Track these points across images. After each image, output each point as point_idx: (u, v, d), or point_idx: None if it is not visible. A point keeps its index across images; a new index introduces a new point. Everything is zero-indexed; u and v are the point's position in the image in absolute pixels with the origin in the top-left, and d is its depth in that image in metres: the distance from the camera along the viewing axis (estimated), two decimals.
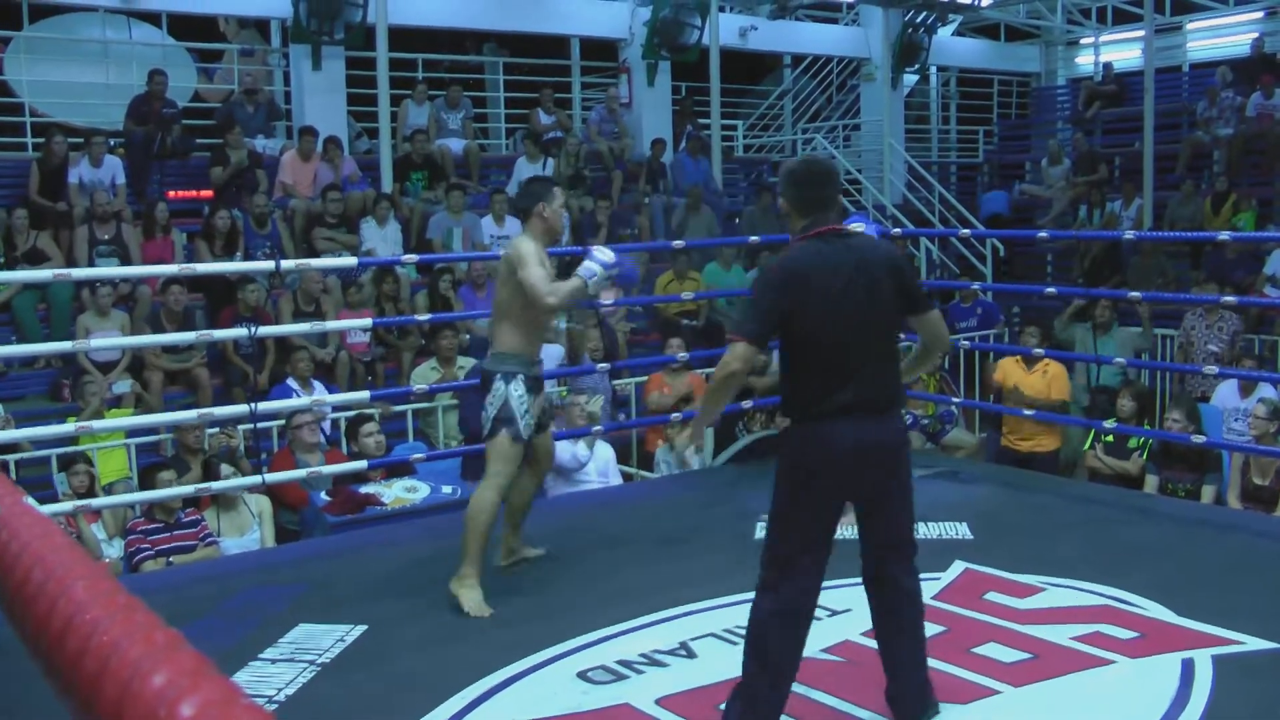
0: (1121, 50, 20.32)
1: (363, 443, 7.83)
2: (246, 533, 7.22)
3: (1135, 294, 9.31)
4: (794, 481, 3.99)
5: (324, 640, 4.95)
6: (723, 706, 4.04)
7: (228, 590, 5.72)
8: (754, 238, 9.89)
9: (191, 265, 9.27)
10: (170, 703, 1.07)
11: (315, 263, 9.35)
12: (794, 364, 4.05)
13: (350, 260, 10.08)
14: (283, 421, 8.25)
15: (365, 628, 5.08)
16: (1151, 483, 8.09)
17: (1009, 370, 9.18)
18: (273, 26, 15.13)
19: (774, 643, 3.97)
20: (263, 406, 7.03)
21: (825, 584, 4.05)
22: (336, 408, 8.63)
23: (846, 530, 4.07)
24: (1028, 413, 8.61)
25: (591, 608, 5.26)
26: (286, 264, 7.64)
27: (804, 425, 4.00)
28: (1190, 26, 19.97)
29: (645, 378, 9.82)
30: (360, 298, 10.77)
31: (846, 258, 4.01)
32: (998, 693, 4.31)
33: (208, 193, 12.31)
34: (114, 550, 7.13)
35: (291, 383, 9.24)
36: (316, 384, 9.39)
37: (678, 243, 10.87)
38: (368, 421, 8.04)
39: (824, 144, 18.36)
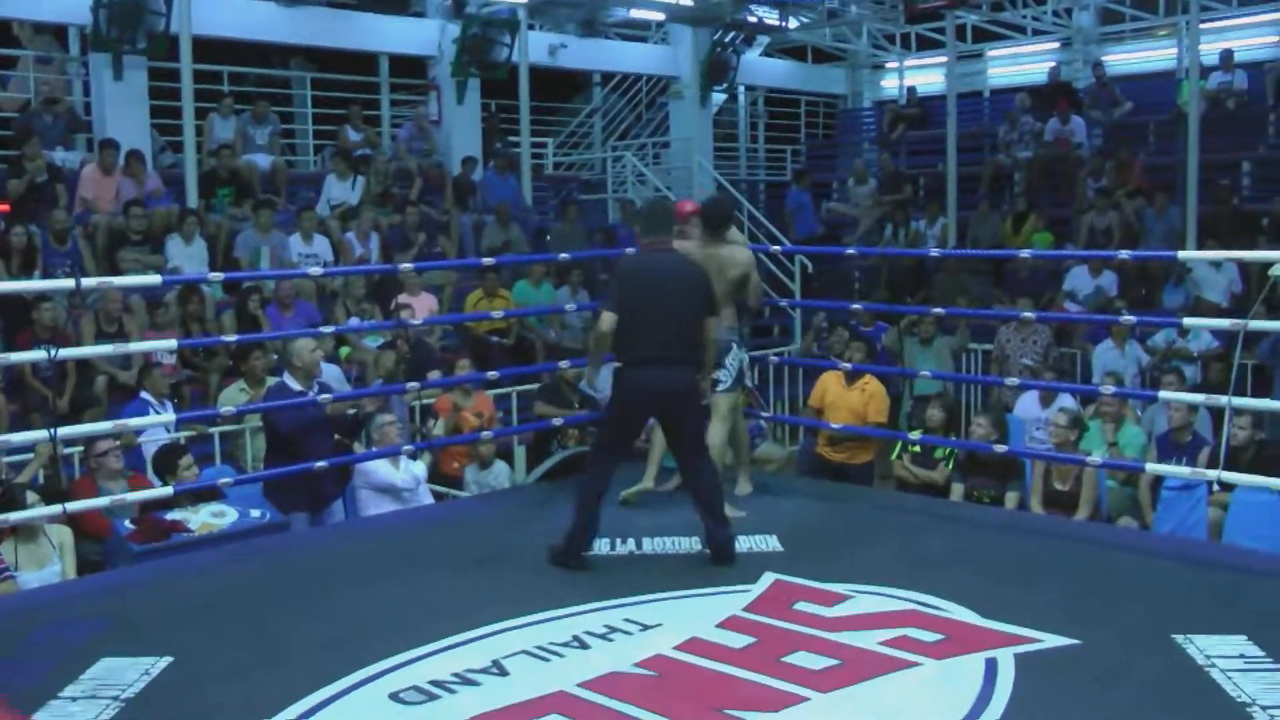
0: (925, 75, 21.03)
1: (182, 476, 7.50)
2: (46, 565, 6.91)
3: (939, 309, 9.58)
4: (616, 402, 6.33)
5: (128, 674, 4.79)
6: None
7: (26, 626, 5.49)
8: (563, 255, 9.87)
9: None
10: None
11: (117, 281, 9.09)
12: (622, 329, 6.18)
13: (155, 278, 9.74)
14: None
15: (170, 659, 4.93)
16: (957, 491, 8.34)
17: (829, 385, 9.21)
18: (71, 34, 14.61)
19: (581, 500, 6.17)
20: (63, 432, 6.76)
21: (636, 599, 5.39)
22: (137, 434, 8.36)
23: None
24: (835, 427, 8.75)
25: (403, 628, 5.21)
26: (87, 282, 7.42)
27: (624, 369, 6.26)
28: (990, 54, 20.76)
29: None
30: (166, 318, 10.49)
31: (666, 265, 6.36)
32: (806, 699, 4.40)
33: (3, 207, 11.84)
34: None
35: (146, 395, 8.95)
36: (167, 403, 9.12)
37: (487, 260, 10.83)
38: (183, 454, 7.73)
39: (634, 161, 18.49)
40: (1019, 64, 20.66)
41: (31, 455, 7.96)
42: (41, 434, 6.64)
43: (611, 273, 6.58)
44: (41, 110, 13.11)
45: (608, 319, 6.21)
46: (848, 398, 9.05)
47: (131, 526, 6.89)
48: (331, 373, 8.89)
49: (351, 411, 7.84)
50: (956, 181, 16.40)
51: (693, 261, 6.56)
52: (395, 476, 7.91)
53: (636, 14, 17.25)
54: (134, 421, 7.81)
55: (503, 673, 4.73)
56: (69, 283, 7.65)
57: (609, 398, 6.50)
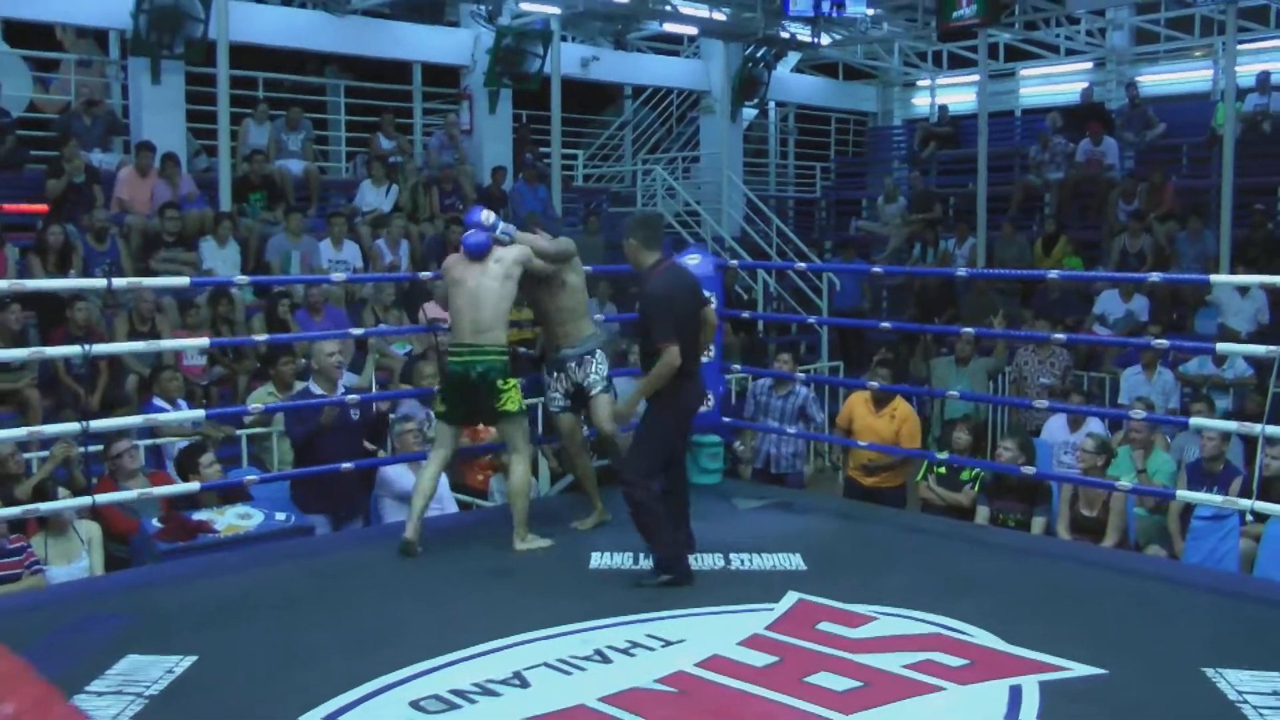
0: (956, 94, 20.93)
1: (204, 474, 7.57)
2: (75, 560, 6.98)
3: (969, 330, 9.54)
4: (671, 418, 6.26)
5: (152, 671, 4.83)
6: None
7: (53, 620, 5.55)
8: (587, 267, 9.84)
9: (21, 282, 8.99)
10: None
11: (148, 281, 9.15)
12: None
13: (184, 280, 9.82)
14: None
15: (195, 658, 4.97)
16: (983, 514, 8.27)
17: (857, 411, 9.10)
18: (111, 38, 14.78)
19: (655, 511, 6.05)
20: (94, 426, 6.81)
21: (659, 615, 5.51)
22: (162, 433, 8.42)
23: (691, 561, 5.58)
24: (862, 445, 8.72)
25: (425, 636, 5.23)
26: (119, 282, 7.46)
27: (679, 385, 6.15)
28: (1023, 73, 20.64)
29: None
30: (197, 319, 10.57)
31: (689, 281, 6.42)
32: None
33: (41, 207, 11.95)
34: None
35: (159, 402, 9.01)
36: (183, 404, 9.17)
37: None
38: (204, 452, 7.80)
39: (663, 175, 18.53)
40: (1051, 84, 20.52)
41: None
42: (73, 427, 6.70)
43: (652, 298, 6.27)
44: (81, 112, 13.25)
45: (676, 353, 6.06)
46: (876, 425, 8.91)
47: (158, 525, 6.93)
48: (351, 382, 8.95)
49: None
50: (986, 202, 16.34)
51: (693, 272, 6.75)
52: (411, 483, 7.86)
53: (669, 28, 17.25)
54: (162, 417, 7.82)
55: (524, 684, 4.73)
56: (100, 282, 7.70)
57: (654, 415, 6.30)
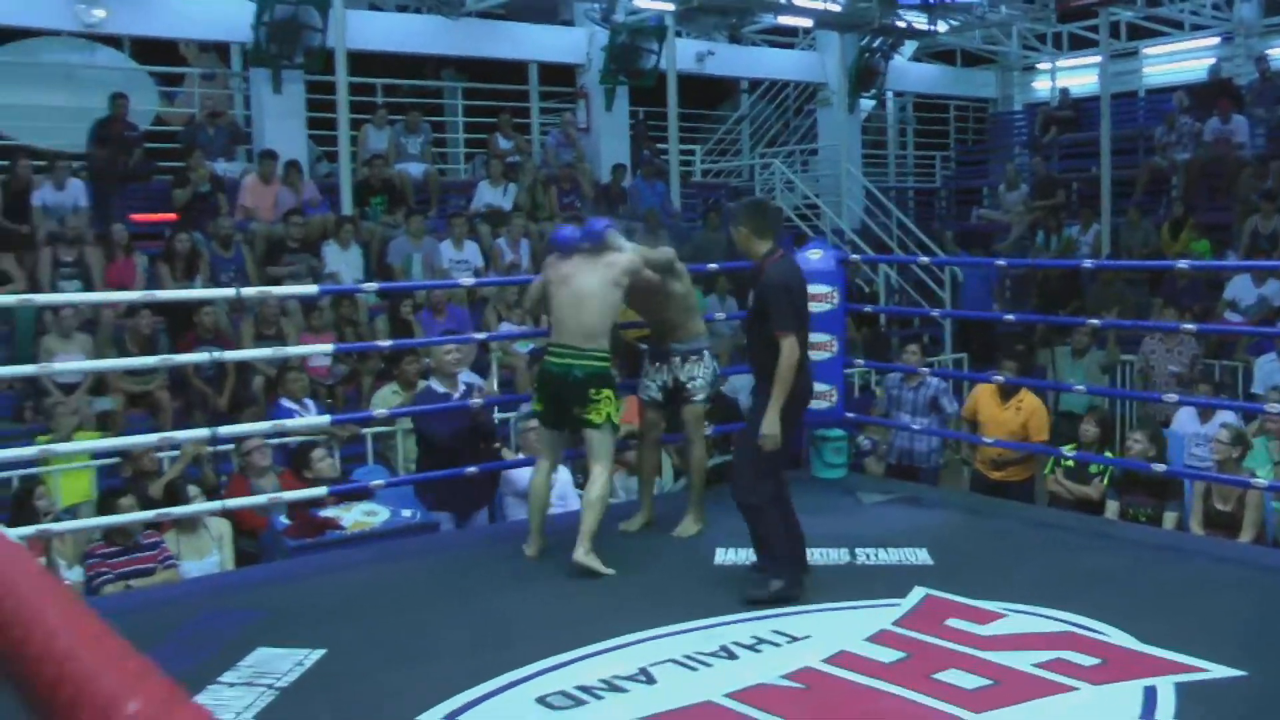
0: (1078, 76, 20.51)
1: (316, 469, 7.76)
2: (206, 555, 7.17)
3: (1094, 320, 9.36)
4: (792, 414, 5.82)
5: (282, 664, 4.91)
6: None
7: (187, 614, 5.67)
8: (712, 265, 9.81)
9: (152, 292, 9.23)
10: None
11: (275, 291, 9.34)
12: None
13: (311, 288, 10.02)
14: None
15: (324, 652, 5.03)
16: (1112, 508, 8.06)
17: (983, 402, 8.97)
18: (233, 50, 15.14)
19: (770, 518, 5.76)
20: (224, 430, 6.99)
21: (784, 610, 5.45)
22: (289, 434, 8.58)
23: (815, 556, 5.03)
24: (989, 441, 8.58)
25: (550, 632, 5.24)
26: (248, 291, 7.65)
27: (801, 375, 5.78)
28: (1146, 52, 20.17)
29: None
30: (321, 321, 10.75)
31: (799, 270, 6.08)
32: (959, 719, 4.31)
33: (170, 216, 12.26)
34: (74, 575, 7.05)
35: (287, 402, 9.19)
36: (309, 403, 9.36)
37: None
38: (316, 448, 7.99)
39: (782, 169, 18.45)
40: (1176, 61, 19.94)
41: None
42: (203, 433, 6.86)
43: (771, 286, 5.82)
44: (205, 123, 13.58)
45: (795, 343, 5.70)
46: (1002, 417, 8.76)
47: (287, 522, 7.07)
48: (472, 379, 9.02)
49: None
50: (1111, 186, 16.00)
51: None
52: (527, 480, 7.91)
53: (784, 20, 17.18)
54: (289, 423, 8.02)
55: (650, 681, 4.71)
56: (230, 291, 7.87)
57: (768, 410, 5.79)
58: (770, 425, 5.68)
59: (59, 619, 1.25)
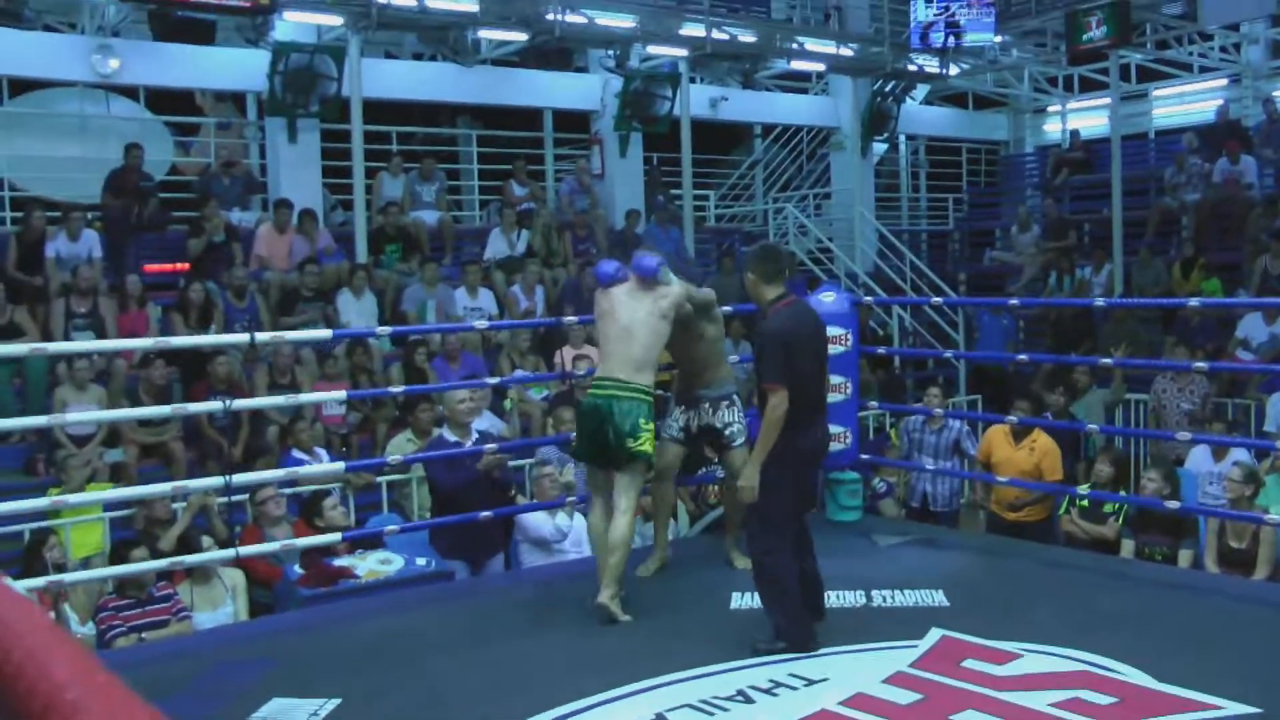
0: (1088, 117, 20.60)
1: (328, 517, 7.78)
2: (220, 606, 7.16)
3: (1107, 360, 9.36)
4: (790, 469, 5.61)
5: (297, 715, 4.91)
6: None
7: (200, 665, 5.68)
8: (725, 308, 9.80)
9: (166, 339, 9.27)
10: None
11: (290, 335, 9.35)
12: (793, 393, 5.50)
13: (325, 333, 10.05)
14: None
15: (339, 701, 5.04)
16: (1128, 547, 8.06)
17: (996, 443, 8.95)
18: (249, 100, 15.26)
19: (782, 573, 5.60)
20: (238, 479, 6.99)
21: (801, 653, 5.43)
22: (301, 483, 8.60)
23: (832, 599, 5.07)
24: (1002, 481, 8.56)
25: (565, 679, 5.23)
26: (262, 336, 7.66)
27: (795, 431, 5.54)
28: (1156, 94, 20.28)
29: None
30: (335, 370, 10.78)
31: (811, 319, 5.90)
32: None
33: (184, 266, 12.31)
34: (86, 631, 7.03)
35: (297, 453, 9.22)
36: (321, 451, 9.38)
37: None
38: (327, 496, 8.02)
39: (795, 213, 18.49)
40: (1185, 103, 20.07)
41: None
42: (215, 482, 6.87)
43: (766, 334, 5.74)
44: (220, 173, 13.65)
45: (783, 397, 5.50)
46: (1016, 458, 8.75)
47: (300, 571, 7.07)
48: (493, 424, 9.02)
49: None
50: (1122, 227, 16.02)
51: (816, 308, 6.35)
52: (544, 528, 7.98)
53: (796, 65, 17.27)
54: (304, 470, 8.03)
55: None
56: (244, 337, 7.89)
57: (772, 470, 5.59)
58: (748, 477, 5.61)
59: (66, 670, 1.26)
